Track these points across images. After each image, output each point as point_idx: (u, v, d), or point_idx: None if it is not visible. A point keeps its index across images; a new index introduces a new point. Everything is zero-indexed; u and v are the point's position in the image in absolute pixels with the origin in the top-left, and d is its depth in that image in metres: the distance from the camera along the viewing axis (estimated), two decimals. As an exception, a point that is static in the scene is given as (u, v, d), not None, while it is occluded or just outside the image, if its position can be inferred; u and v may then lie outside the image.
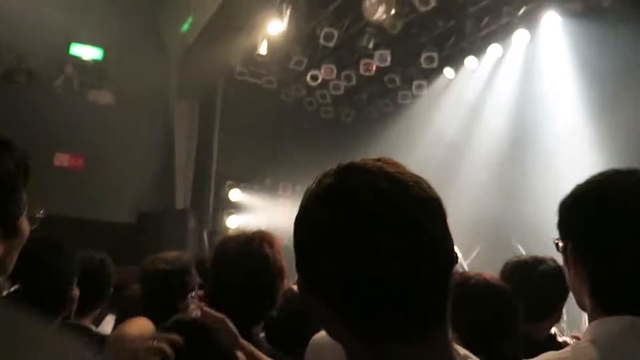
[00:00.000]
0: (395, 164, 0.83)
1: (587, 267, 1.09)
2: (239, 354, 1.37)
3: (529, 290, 1.79)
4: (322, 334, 2.04)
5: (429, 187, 0.82)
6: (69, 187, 9.41)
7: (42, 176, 8.74)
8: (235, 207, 11.09)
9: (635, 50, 6.16)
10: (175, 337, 1.12)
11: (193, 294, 2.26)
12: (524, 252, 6.80)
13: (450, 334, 0.79)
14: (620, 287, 1.02)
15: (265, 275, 1.69)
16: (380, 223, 0.75)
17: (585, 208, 1.12)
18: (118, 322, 2.45)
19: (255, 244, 1.75)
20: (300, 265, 0.83)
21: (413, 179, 0.80)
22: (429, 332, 0.75)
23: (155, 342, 1.11)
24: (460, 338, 1.67)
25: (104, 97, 10.79)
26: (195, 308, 1.53)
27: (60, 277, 2.03)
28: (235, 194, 11.12)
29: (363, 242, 0.74)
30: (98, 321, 3.14)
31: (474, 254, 7.38)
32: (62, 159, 9.63)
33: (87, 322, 2.56)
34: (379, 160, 0.83)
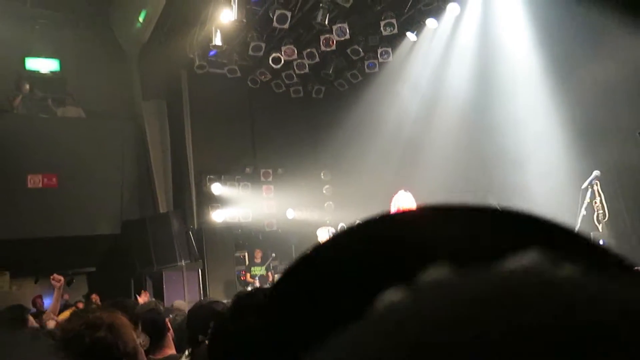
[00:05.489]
0: None
1: None
2: None
3: None
4: None
5: None
6: (46, 207, 9.31)
7: (17, 201, 8.58)
8: (219, 201, 11.01)
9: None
10: None
11: None
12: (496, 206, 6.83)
13: None
14: None
15: None
16: None
17: None
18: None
19: None
20: None
21: None
22: None
23: None
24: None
25: (72, 112, 10.58)
26: None
27: None
28: (217, 188, 11.03)
29: None
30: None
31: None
32: (34, 180, 9.48)
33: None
34: None
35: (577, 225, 4.60)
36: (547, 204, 5.76)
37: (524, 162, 6.70)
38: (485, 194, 6.82)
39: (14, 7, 10.10)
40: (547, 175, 6.24)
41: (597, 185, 5.23)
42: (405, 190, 5.84)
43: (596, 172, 5.01)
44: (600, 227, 5.94)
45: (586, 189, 5.02)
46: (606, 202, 5.81)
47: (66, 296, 10.46)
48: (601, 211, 6.00)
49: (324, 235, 8.03)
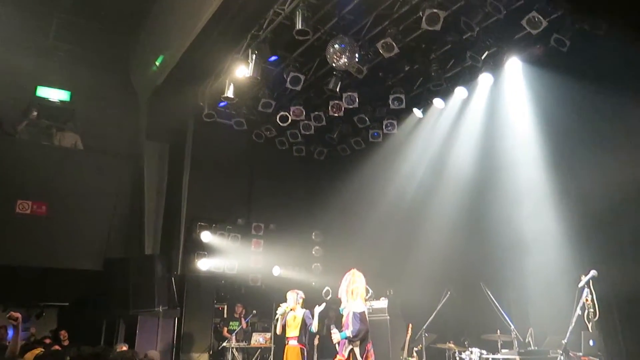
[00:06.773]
0: None
1: None
2: None
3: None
4: None
5: None
6: (30, 235, 9.09)
7: (3, 225, 8.37)
8: (206, 249, 10.83)
9: (587, 93, 6.34)
10: None
11: None
12: (491, 296, 6.82)
13: None
14: None
15: None
16: None
17: None
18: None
19: None
20: None
21: None
22: None
23: None
24: None
25: (69, 139, 10.54)
26: None
27: None
28: (206, 236, 10.88)
29: None
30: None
31: (445, 298, 7.30)
32: (24, 206, 9.33)
33: None
34: None
35: (572, 324, 4.55)
36: (542, 297, 5.71)
37: (522, 253, 6.71)
38: (481, 282, 6.78)
39: (37, 38, 10.36)
40: (543, 269, 6.23)
41: (590, 283, 5.22)
42: (357, 270, 6.01)
43: (593, 272, 5.03)
44: (590, 326, 5.86)
45: (582, 287, 5.01)
46: (597, 301, 5.76)
47: (32, 329, 10.04)
48: (592, 309, 5.94)
49: (292, 299, 7.49)
